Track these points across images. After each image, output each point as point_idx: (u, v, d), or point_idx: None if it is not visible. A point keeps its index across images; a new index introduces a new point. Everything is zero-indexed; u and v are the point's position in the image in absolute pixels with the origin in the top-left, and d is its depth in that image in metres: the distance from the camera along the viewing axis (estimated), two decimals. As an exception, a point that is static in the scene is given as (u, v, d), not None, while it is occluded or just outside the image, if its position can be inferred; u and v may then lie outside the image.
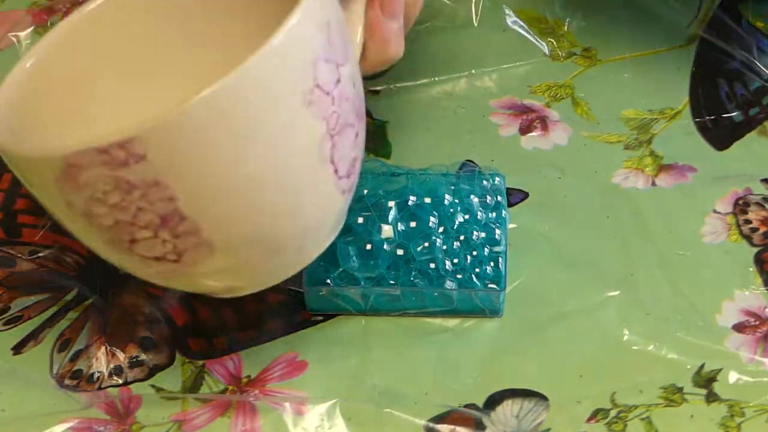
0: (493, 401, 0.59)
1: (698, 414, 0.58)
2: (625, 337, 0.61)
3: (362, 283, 0.61)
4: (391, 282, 0.61)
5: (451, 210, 0.63)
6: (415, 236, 0.62)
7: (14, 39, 0.72)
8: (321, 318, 0.62)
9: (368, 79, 0.68)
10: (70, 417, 0.57)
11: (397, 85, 0.72)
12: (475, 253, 0.61)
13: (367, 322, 0.62)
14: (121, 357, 0.60)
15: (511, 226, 0.64)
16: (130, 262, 0.49)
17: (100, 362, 0.60)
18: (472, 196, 0.63)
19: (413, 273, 0.61)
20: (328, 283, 0.61)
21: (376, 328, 0.62)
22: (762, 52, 0.73)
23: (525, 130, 0.71)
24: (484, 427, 0.57)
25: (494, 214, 0.63)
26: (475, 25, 0.74)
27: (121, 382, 0.59)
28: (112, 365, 0.60)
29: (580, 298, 0.63)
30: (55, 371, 0.60)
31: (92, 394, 0.59)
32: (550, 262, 0.64)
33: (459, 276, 0.61)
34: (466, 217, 0.63)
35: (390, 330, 0.62)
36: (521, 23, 0.75)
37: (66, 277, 0.63)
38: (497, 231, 0.62)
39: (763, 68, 0.73)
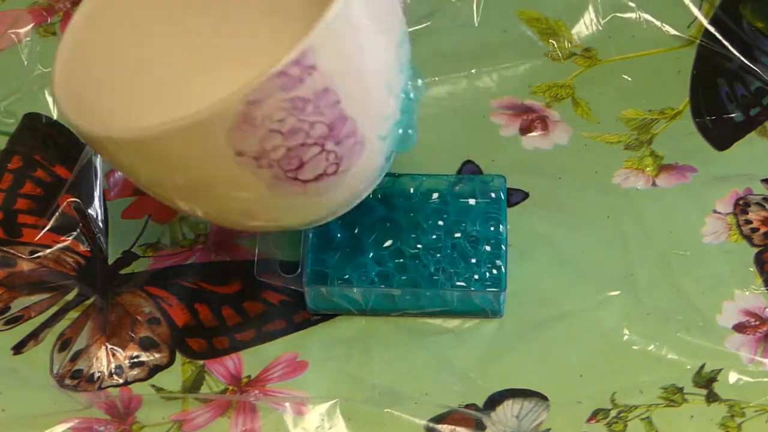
0: (494, 401, 0.59)
1: (698, 414, 0.58)
2: (625, 337, 0.61)
3: (363, 283, 0.61)
4: (392, 283, 0.61)
5: (452, 211, 0.63)
6: (415, 239, 0.62)
7: (14, 37, 0.72)
8: (321, 318, 0.62)
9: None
10: (70, 417, 0.57)
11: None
12: (475, 254, 0.61)
13: (368, 322, 0.62)
14: (121, 357, 0.60)
15: (511, 226, 0.64)
16: (285, 197, 0.53)
17: (100, 362, 0.60)
18: (472, 198, 0.63)
19: (414, 274, 0.61)
20: (329, 283, 0.61)
21: (377, 329, 0.62)
22: (762, 52, 0.73)
23: (525, 130, 0.71)
24: (484, 428, 0.57)
25: (494, 216, 0.63)
26: (476, 25, 0.74)
27: (121, 382, 0.59)
28: (112, 365, 0.60)
29: (580, 298, 0.63)
30: (55, 371, 0.60)
31: (92, 394, 0.59)
32: (550, 262, 0.64)
33: (459, 277, 0.61)
34: (467, 218, 0.63)
35: (390, 330, 0.62)
36: (522, 23, 0.75)
37: (66, 277, 0.63)
38: (497, 232, 0.62)
39: (762, 69, 0.73)
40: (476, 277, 0.61)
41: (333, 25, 0.49)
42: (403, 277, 0.61)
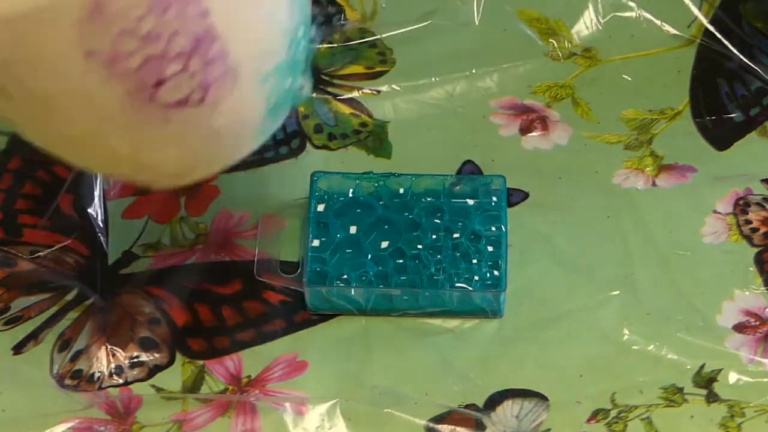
0: (493, 401, 0.59)
1: (698, 414, 0.58)
2: (625, 337, 0.61)
3: (362, 283, 0.61)
4: (391, 283, 0.61)
5: (452, 212, 0.63)
6: (416, 239, 0.62)
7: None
8: (321, 318, 0.62)
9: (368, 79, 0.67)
10: (70, 417, 0.57)
11: (398, 85, 0.72)
12: (475, 255, 0.61)
13: (368, 322, 0.62)
14: (121, 357, 0.60)
15: (511, 226, 0.64)
16: (140, 125, 0.47)
17: (100, 362, 0.60)
18: (472, 198, 0.63)
19: (414, 275, 0.61)
20: (328, 283, 0.61)
21: (377, 329, 0.62)
22: (762, 52, 0.73)
23: (525, 130, 0.71)
24: (484, 428, 0.57)
25: (494, 216, 0.63)
26: (476, 24, 0.74)
27: (121, 382, 0.59)
28: (112, 365, 0.60)
29: (580, 298, 0.63)
30: (55, 371, 0.60)
31: (92, 394, 0.59)
32: (550, 261, 0.64)
33: (459, 277, 0.61)
34: (467, 219, 0.63)
35: (390, 330, 0.62)
36: (522, 23, 0.75)
37: (66, 277, 0.63)
38: (497, 232, 0.62)
39: (762, 69, 0.73)
40: (476, 277, 0.61)
41: None
42: (402, 278, 0.61)
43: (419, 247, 0.62)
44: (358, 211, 0.63)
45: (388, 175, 0.64)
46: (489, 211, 0.63)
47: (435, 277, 0.61)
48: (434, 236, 0.62)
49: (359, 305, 0.61)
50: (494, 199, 0.64)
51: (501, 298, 0.61)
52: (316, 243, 0.62)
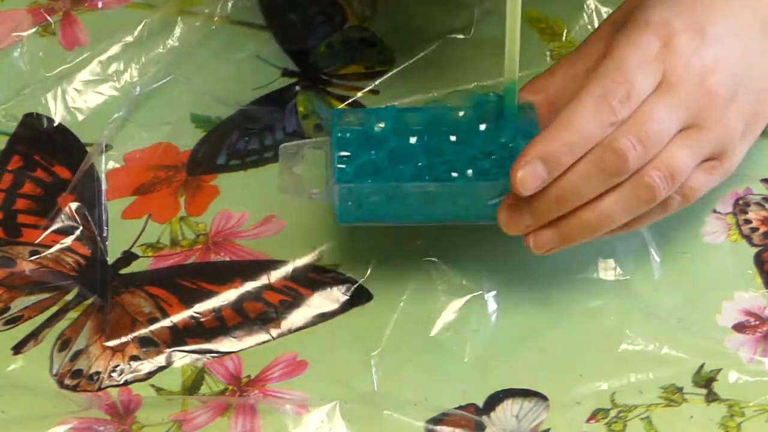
0: (493, 402, 0.59)
1: (698, 414, 0.58)
2: (625, 337, 0.61)
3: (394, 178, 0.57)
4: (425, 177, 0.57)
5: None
6: (443, 157, 0.58)
7: (15, 39, 0.72)
8: (321, 318, 0.62)
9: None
10: (70, 417, 0.57)
11: (397, 85, 0.72)
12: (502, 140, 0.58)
13: (368, 322, 0.62)
14: (121, 357, 0.60)
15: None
16: None
17: (99, 362, 0.60)
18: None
19: (445, 168, 0.57)
20: (359, 180, 0.57)
21: (377, 329, 0.62)
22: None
23: (525, 130, 0.70)
24: (483, 428, 0.57)
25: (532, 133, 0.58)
26: (474, 23, 0.74)
27: (121, 382, 0.60)
28: (112, 365, 0.60)
29: (580, 298, 0.63)
30: (55, 371, 0.60)
31: (92, 394, 0.59)
32: (549, 261, 0.64)
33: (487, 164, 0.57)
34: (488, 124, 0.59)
35: (390, 330, 0.62)
36: (521, 23, 0.74)
37: (66, 277, 0.63)
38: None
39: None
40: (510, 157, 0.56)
41: None
42: (435, 172, 0.57)
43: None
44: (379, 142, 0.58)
45: (405, 110, 0.60)
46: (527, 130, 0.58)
47: (468, 171, 0.57)
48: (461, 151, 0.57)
49: (392, 211, 0.58)
50: (529, 119, 0.59)
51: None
52: (343, 153, 0.57)
